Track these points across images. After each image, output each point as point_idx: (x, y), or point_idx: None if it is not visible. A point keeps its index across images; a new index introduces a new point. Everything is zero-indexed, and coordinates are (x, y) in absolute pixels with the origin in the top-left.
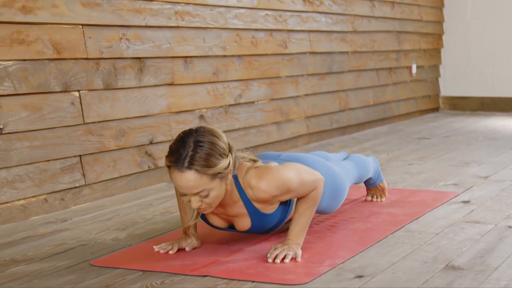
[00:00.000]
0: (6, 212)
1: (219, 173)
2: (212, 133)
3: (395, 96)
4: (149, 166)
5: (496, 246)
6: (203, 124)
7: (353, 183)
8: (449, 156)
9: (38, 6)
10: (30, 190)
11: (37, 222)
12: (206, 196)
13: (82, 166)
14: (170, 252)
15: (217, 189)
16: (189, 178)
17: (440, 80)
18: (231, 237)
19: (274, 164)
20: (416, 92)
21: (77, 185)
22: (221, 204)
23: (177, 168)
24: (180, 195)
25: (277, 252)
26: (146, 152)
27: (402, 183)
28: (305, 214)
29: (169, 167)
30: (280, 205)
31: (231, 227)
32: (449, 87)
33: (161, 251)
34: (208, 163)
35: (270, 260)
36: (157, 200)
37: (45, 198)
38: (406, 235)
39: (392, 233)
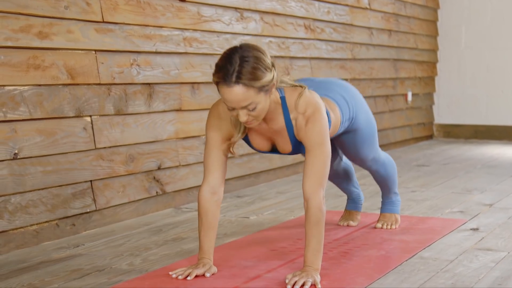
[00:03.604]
0: (19, 237)
1: (264, 86)
2: (256, 48)
3: (391, 124)
4: (157, 192)
5: None
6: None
7: (376, 142)
8: (450, 184)
9: (54, 31)
10: (43, 215)
11: (49, 247)
12: (253, 109)
13: (93, 191)
14: (188, 278)
15: (263, 102)
16: (238, 92)
17: (434, 107)
18: (247, 263)
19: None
20: (412, 120)
21: (88, 210)
22: (265, 119)
23: (225, 83)
24: (228, 109)
25: (296, 279)
26: (154, 177)
27: (409, 210)
28: (313, 234)
29: (217, 83)
30: None
31: (274, 150)
32: (443, 115)
33: (180, 277)
34: (254, 77)
35: (289, 287)
36: (167, 226)
37: (56, 223)
38: (421, 262)
39: (406, 260)
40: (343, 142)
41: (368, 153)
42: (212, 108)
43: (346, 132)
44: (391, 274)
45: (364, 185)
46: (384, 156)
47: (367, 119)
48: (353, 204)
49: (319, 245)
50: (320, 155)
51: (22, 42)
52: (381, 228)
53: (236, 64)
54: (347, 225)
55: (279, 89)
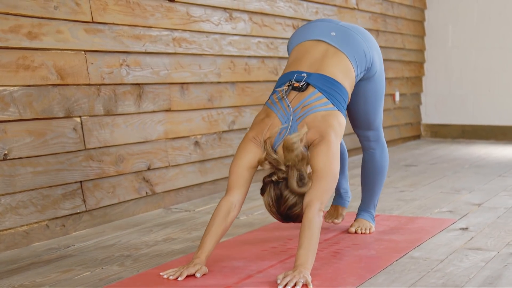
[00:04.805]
0: (9, 238)
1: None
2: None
3: None
4: (146, 192)
5: (503, 273)
6: (198, 150)
7: (380, 125)
8: (439, 183)
9: (43, 32)
10: (33, 216)
11: (40, 248)
12: None
13: (82, 192)
14: (179, 278)
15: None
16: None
17: (422, 107)
18: (238, 263)
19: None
20: (399, 120)
21: (78, 211)
22: None
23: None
24: None
25: (288, 279)
26: (144, 178)
27: (398, 210)
28: (305, 236)
29: None
30: None
31: None
32: (430, 115)
33: (171, 278)
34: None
35: (280, 287)
36: (157, 227)
37: (46, 224)
38: (412, 261)
39: (397, 260)
40: (360, 92)
41: (377, 112)
42: (248, 139)
43: (364, 79)
44: (382, 274)
45: (354, 185)
46: (384, 140)
47: (381, 67)
48: (340, 199)
49: (310, 246)
50: (325, 176)
51: (11, 42)
52: (355, 232)
53: (288, 219)
54: (332, 222)
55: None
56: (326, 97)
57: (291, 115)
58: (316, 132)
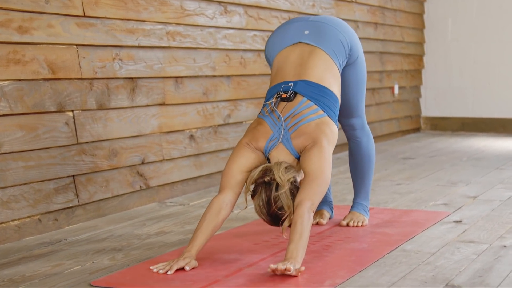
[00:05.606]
0: (0, 233)
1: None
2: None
3: (378, 117)
4: (140, 186)
5: (493, 265)
6: (193, 144)
7: (364, 112)
8: (436, 176)
9: (34, 26)
10: (24, 210)
11: (31, 242)
12: None
13: (75, 186)
14: (169, 272)
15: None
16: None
17: (421, 100)
18: (229, 257)
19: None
20: (398, 113)
21: (70, 205)
22: None
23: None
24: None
25: (278, 264)
26: (138, 172)
27: (393, 203)
28: (296, 231)
29: None
30: None
31: None
32: (430, 108)
33: (160, 272)
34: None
35: (269, 270)
36: (150, 220)
37: (39, 219)
38: (403, 254)
39: (388, 253)
40: (342, 78)
41: (360, 98)
42: (242, 144)
43: (346, 65)
44: (372, 267)
45: (349, 178)
46: (368, 128)
47: (362, 53)
48: (325, 206)
49: (301, 241)
50: (316, 179)
51: (1, 37)
52: (347, 225)
53: (277, 221)
54: (317, 223)
55: (293, 152)
56: (315, 104)
57: (282, 124)
58: (309, 138)
